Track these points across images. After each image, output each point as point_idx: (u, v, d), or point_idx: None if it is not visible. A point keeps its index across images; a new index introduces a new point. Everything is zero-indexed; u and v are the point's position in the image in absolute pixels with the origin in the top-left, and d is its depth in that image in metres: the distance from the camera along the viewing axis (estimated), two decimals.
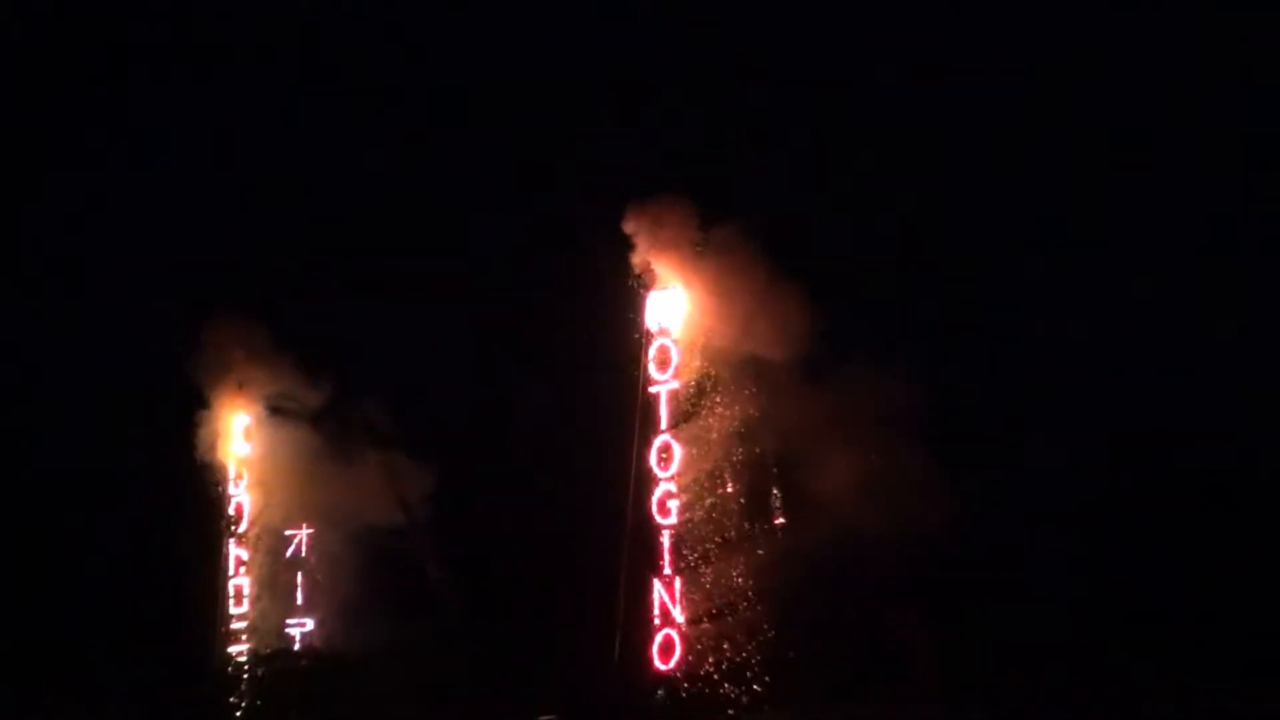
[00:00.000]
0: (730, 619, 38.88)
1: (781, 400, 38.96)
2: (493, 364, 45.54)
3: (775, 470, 39.55)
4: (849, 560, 38.20)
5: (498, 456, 44.34)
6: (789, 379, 38.97)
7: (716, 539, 39.41)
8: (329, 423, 45.47)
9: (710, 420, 39.86)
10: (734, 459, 39.62)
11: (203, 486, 46.13)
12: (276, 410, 46.22)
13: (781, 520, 39.36)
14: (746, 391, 39.65)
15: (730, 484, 39.59)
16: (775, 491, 39.57)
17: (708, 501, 39.60)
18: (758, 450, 39.61)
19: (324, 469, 45.02)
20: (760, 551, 39.12)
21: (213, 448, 46.46)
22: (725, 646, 38.90)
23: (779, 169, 43.63)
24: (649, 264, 40.80)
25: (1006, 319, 41.87)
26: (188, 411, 45.72)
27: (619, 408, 40.92)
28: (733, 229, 39.94)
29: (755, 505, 39.42)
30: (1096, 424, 40.23)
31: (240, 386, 45.90)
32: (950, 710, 36.53)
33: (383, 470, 44.53)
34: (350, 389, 45.58)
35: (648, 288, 40.95)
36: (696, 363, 40.39)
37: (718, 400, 39.90)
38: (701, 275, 40.32)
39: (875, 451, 37.58)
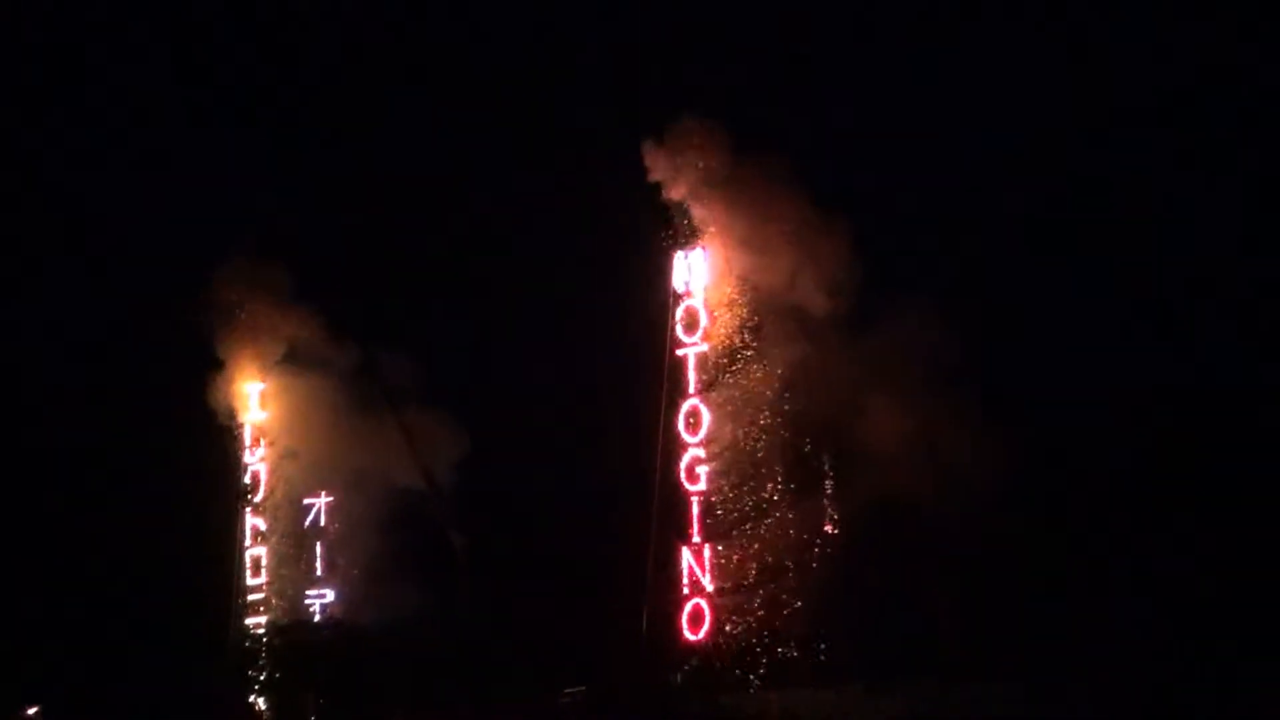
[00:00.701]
0: (763, 588, 37.86)
1: (820, 357, 37.59)
2: (516, 329, 44.82)
3: (812, 433, 38.21)
4: (890, 528, 37.07)
5: (521, 423, 43.25)
6: (829, 332, 37.56)
7: (748, 505, 38.34)
8: (348, 381, 44.29)
9: (741, 382, 38.70)
10: (767, 422, 38.41)
11: (217, 453, 45.24)
12: (293, 360, 44.93)
13: (828, 482, 38.08)
14: (781, 349, 38.28)
15: (762, 448, 38.41)
16: (811, 455, 38.31)
17: (739, 467, 38.51)
18: (793, 411, 38.30)
19: (344, 434, 43.86)
20: (795, 518, 37.92)
21: (227, 413, 45.41)
22: (757, 616, 37.89)
23: (818, 98, 41.31)
24: (675, 203, 39.39)
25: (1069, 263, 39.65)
26: (200, 372, 44.66)
27: (645, 372, 40.01)
28: (767, 160, 38.43)
29: (789, 470, 38.19)
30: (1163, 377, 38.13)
31: (255, 333, 44.58)
32: (988, 688, 34.90)
33: (404, 435, 43.27)
34: (371, 351, 44.46)
35: (675, 234, 39.63)
36: (727, 320, 39.16)
37: (749, 360, 38.71)
38: (733, 213, 38.86)
39: (922, 412, 36.09)
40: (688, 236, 39.74)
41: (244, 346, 45.10)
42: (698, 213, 39.49)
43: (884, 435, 36.41)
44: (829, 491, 38.07)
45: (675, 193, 39.37)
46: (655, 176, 39.27)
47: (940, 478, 35.53)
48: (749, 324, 38.92)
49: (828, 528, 38.00)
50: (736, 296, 39.18)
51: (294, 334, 44.96)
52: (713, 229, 39.40)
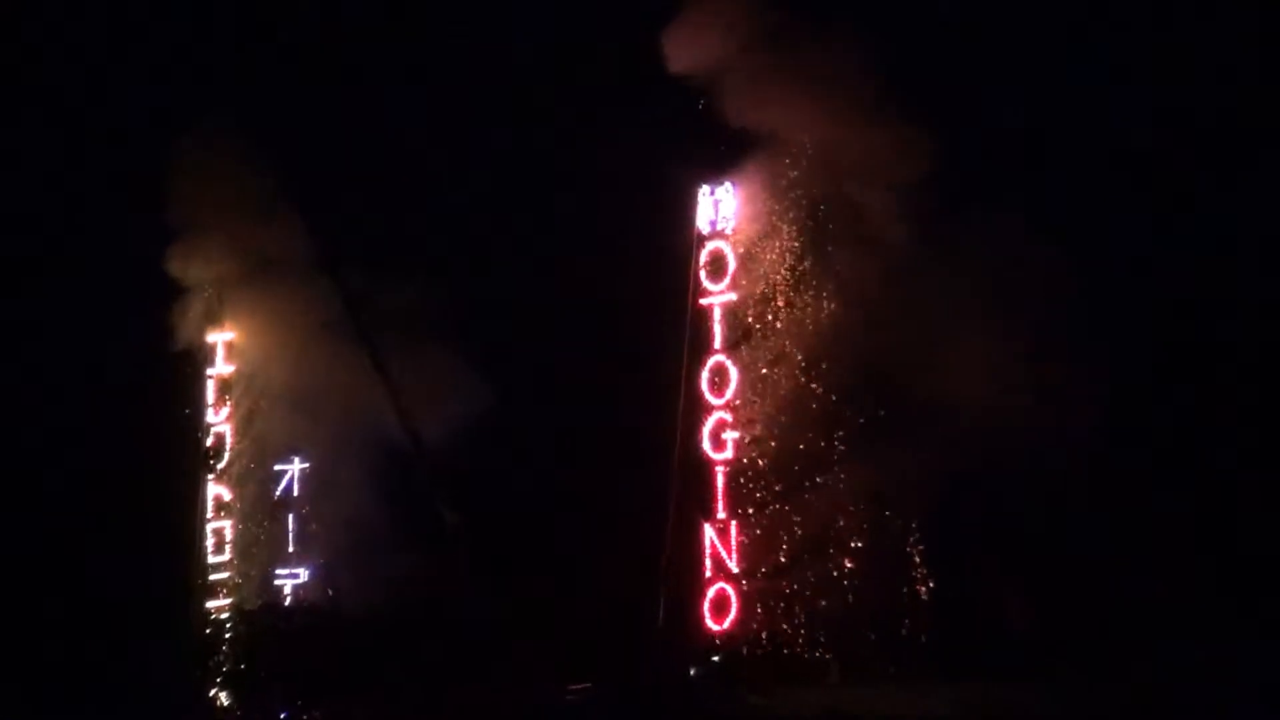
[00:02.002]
0: (797, 571, 35.00)
1: (885, 291, 33.71)
2: (521, 275, 40.30)
3: (864, 390, 34.65)
4: (947, 504, 33.75)
5: (523, 382, 39.33)
6: (897, 259, 33.52)
7: (781, 476, 35.32)
8: (331, 324, 40.28)
9: (777, 330, 35.60)
10: (807, 378, 35.09)
11: (175, 410, 41.67)
12: (266, 286, 40.79)
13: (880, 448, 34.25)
14: (834, 283, 34.85)
15: (798, 409, 35.15)
16: (862, 416, 34.74)
17: (771, 432, 35.41)
18: (841, 364, 34.82)
19: (323, 388, 40.29)
20: (838, 490, 34.72)
21: (187, 361, 41.68)
22: (791, 604, 35.04)
23: None
24: (704, 102, 35.15)
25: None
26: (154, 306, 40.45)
27: (665, 326, 37.01)
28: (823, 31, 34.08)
29: (829, 435, 34.89)
30: None
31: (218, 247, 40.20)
32: (1058, 689, 31.61)
33: (389, 389, 39.59)
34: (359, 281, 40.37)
35: (703, 146, 35.96)
36: (765, 256, 35.77)
37: (789, 305, 35.49)
38: (778, 106, 34.64)
39: (1011, 361, 32.07)
40: (718, 156, 36.14)
41: (204, 265, 40.94)
42: (733, 110, 35.20)
43: (958, 391, 32.42)
44: (881, 459, 34.34)
45: (703, 81, 35.18)
46: (677, 68, 35.14)
47: (1028, 443, 31.69)
48: (794, 255, 35.43)
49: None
50: (778, 221, 35.67)
51: (268, 250, 40.68)
52: (754, 129, 35.35)
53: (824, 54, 34.04)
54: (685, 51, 35.17)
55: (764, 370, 35.52)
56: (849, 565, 34.43)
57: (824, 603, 34.49)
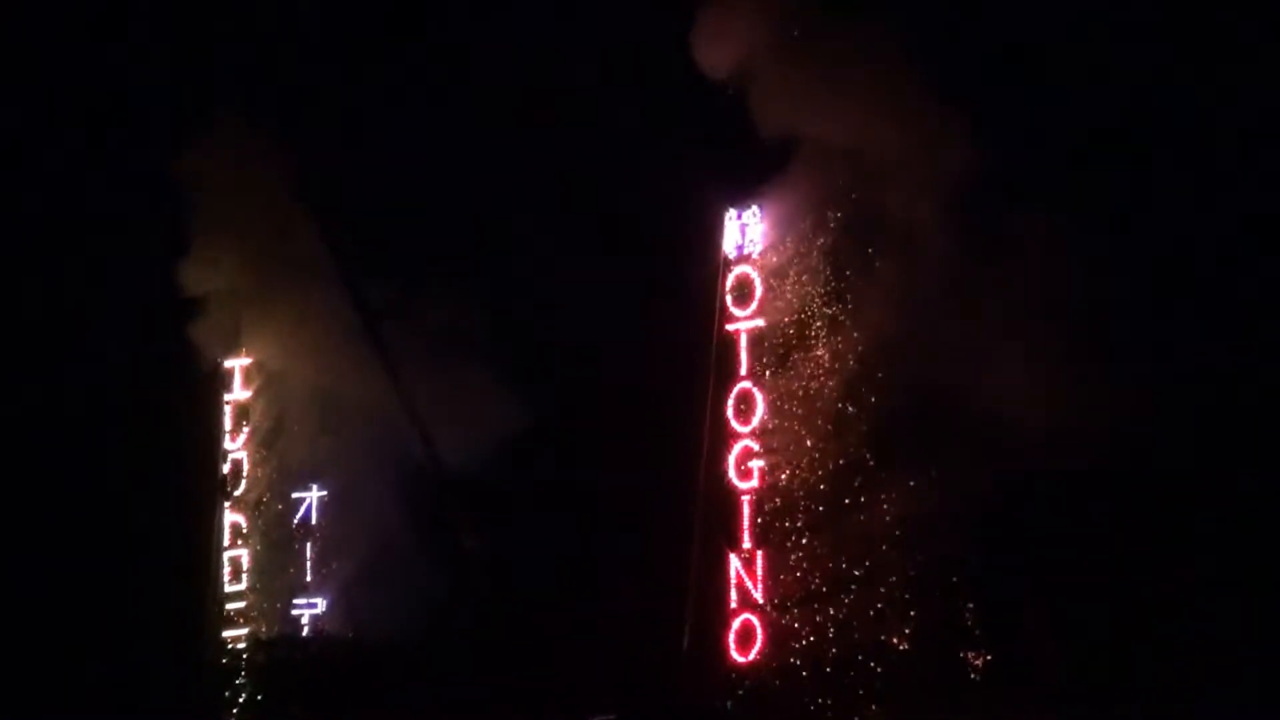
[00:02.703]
0: (825, 603, 33.98)
1: (905, 322, 32.86)
2: (542, 299, 39.72)
3: (888, 420, 33.77)
4: (989, 533, 32.85)
5: (546, 408, 38.65)
6: (936, 273, 32.53)
7: (809, 505, 34.34)
8: (352, 344, 39.61)
9: (801, 360, 34.63)
10: (833, 406, 34.16)
11: (190, 435, 41.10)
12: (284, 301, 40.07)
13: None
14: (868, 304, 33.81)
15: (827, 436, 34.16)
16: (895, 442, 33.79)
17: (798, 460, 34.45)
18: (875, 387, 33.86)
19: (340, 414, 39.79)
20: (866, 521, 33.72)
21: (205, 385, 41.06)
22: (820, 637, 34.01)
23: None
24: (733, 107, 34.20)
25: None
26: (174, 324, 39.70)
27: (689, 351, 36.16)
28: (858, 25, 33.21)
29: (858, 464, 33.93)
30: None
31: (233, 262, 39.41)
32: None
33: (407, 410, 39.04)
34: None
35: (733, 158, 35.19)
36: (793, 281, 34.79)
37: (811, 336, 34.57)
38: (810, 110, 33.53)
39: (1063, 378, 30.89)
40: (745, 179, 35.36)
41: (222, 282, 40.13)
42: (763, 122, 34.19)
43: (1000, 419, 31.45)
44: (916, 487, 33.43)
45: (733, 88, 34.10)
46: (708, 69, 34.19)
47: (1078, 472, 31.11)
48: (824, 279, 34.44)
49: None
50: (807, 245, 34.71)
51: (287, 265, 39.99)
52: (784, 146, 34.32)
53: (861, 60, 33.17)
54: (715, 57, 34.24)
55: (791, 397, 34.60)
56: (880, 597, 33.47)
57: (856, 635, 33.51)
